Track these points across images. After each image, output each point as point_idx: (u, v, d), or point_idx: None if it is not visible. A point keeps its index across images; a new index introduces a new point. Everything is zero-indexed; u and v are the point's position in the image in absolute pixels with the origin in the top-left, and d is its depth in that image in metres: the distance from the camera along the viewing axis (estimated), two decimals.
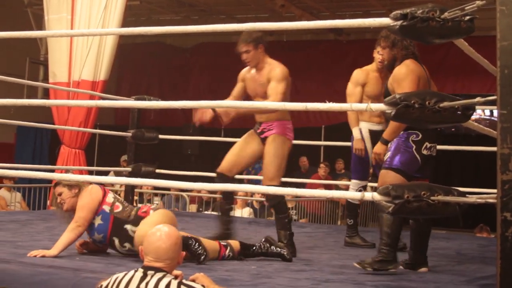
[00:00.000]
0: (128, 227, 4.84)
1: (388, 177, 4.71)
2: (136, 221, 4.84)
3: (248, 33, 5.70)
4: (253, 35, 5.73)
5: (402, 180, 4.64)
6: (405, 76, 4.79)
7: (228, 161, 5.90)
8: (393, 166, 4.75)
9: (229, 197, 6.05)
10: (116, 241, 4.88)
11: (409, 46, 4.96)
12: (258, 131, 5.91)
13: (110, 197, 4.97)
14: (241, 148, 5.98)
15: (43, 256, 4.68)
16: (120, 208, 4.94)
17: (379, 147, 5.16)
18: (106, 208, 4.93)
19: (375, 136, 5.88)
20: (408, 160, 4.73)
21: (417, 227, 4.94)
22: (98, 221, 4.93)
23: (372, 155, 5.42)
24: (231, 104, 4.68)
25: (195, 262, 4.66)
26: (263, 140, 5.84)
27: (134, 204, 9.92)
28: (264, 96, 5.61)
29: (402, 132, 4.80)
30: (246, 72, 5.93)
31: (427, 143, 4.74)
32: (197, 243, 4.72)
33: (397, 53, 4.99)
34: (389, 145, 4.91)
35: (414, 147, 4.72)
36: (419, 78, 4.83)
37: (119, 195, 7.73)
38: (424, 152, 4.74)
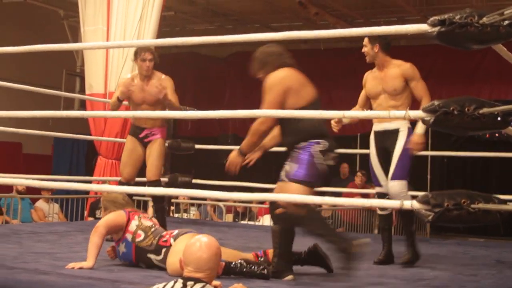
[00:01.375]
0: (152, 256, 4.82)
1: (289, 189, 4.52)
2: (158, 250, 4.79)
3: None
4: None
5: (306, 191, 4.49)
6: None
7: (127, 172, 6.84)
8: (300, 178, 4.55)
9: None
10: (144, 266, 4.88)
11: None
12: (141, 136, 6.74)
13: (133, 225, 4.96)
14: (130, 156, 6.82)
15: (80, 268, 4.70)
16: (142, 237, 4.91)
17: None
18: (129, 236, 4.94)
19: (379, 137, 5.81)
20: (310, 170, 4.54)
21: (281, 229, 4.70)
22: (122, 248, 4.97)
23: None
24: (261, 113, 4.60)
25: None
26: (146, 144, 6.73)
27: (171, 214, 9.96)
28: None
29: (305, 142, 4.59)
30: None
31: (330, 153, 4.59)
32: (247, 265, 4.58)
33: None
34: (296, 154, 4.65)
35: (319, 156, 4.55)
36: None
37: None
38: (329, 162, 4.59)
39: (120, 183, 6.83)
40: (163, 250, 4.73)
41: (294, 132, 4.62)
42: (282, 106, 4.56)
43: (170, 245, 4.73)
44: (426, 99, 5.51)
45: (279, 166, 4.67)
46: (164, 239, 4.83)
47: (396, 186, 5.56)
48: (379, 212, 5.94)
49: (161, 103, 6.62)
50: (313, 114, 4.08)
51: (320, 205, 10.94)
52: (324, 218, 4.64)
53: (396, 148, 5.60)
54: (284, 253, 4.67)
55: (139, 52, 6.73)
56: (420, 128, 5.54)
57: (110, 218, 5.00)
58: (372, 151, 5.82)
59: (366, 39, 5.82)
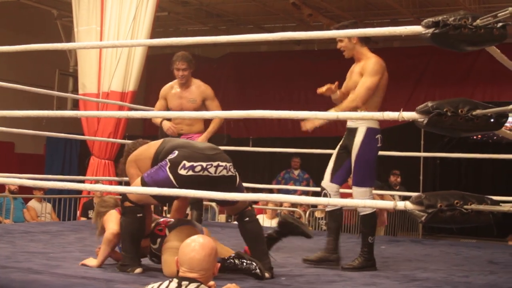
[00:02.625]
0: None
1: (134, 184, 4.62)
2: (153, 237, 4.79)
3: None
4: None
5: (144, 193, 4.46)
6: None
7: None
8: (144, 178, 4.55)
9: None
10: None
11: None
12: None
13: None
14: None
15: (84, 265, 4.81)
16: None
17: None
18: None
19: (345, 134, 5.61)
20: (159, 179, 4.46)
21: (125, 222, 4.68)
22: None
23: None
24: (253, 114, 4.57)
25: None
26: None
27: (163, 215, 9.94)
28: None
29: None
30: None
31: (185, 162, 4.41)
32: (240, 260, 4.53)
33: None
34: None
35: (169, 165, 4.44)
36: None
37: None
38: (182, 172, 4.40)
39: None
40: (158, 239, 4.73)
41: None
42: None
43: (165, 235, 4.73)
44: (351, 96, 5.33)
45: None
46: (160, 228, 4.83)
47: (357, 193, 5.37)
48: (327, 208, 5.70)
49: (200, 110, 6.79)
50: (307, 114, 4.08)
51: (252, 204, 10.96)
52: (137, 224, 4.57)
53: (352, 151, 5.36)
54: (131, 246, 4.67)
55: (173, 61, 6.93)
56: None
57: (113, 223, 4.94)
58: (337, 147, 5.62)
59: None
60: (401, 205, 3.57)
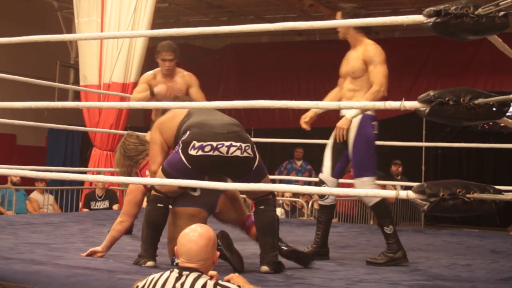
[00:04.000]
0: None
1: (158, 174, 4.62)
2: None
3: None
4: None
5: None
6: None
7: (159, 161, 6.23)
8: (164, 164, 4.57)
9: None
10: None
11: None
12: None
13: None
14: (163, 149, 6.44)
15: (92, 253, 4.86)
16: None
17: None
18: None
19: None
20: (174, 162, 4.47)
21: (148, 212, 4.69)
22: None
23: None
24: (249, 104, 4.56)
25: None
26: None
27: None
28: None
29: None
30: None
31: (194, 142, 4.36)
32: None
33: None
34: None
35: (181, 146, 4.41)
36: None
37: None
38: (192, 152, 4.36)
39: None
40: None
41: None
42: None
43: None
44: (375, 87, 5.19)
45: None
46: None
47: (358, 185, 5.29)
48: (319, 201, 5.64)
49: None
50: (308, 104, 4.08)
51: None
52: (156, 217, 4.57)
53: (349, 142, 5.29)
54: (148, 237, 4.62)
55: (159, 51, 6.60)
56: (351, 112, 5.19)
57: (132, 199, 5.04)
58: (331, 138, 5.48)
59: (338, 14, 5.41)
60: (403, 194, 3.56)
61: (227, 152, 4.36)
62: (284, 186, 4.28)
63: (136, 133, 5.62)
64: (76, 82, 12.57)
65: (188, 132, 4.44)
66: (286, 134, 11.58)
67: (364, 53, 5.31)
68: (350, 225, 9.46)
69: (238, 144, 4.39)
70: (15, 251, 4.98)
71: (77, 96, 12.85)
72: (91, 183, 10.59)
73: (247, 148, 4.43)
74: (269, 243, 4.52)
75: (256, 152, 4.52)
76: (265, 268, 4.46)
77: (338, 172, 5.49)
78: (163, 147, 4.74)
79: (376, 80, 5.22)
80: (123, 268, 4.39)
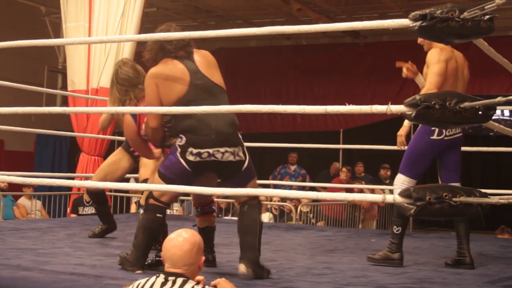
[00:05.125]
0: None
1: (155, 180, 4.65)
2: None
3: None
4: None
5: (162, 184, 4.49)
6: None
7: (98, 179, 6.26)
8: (160, 169, 4.59)
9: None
10: None
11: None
12: (131, 149, 6.12)
13: None
14: (109, 165, 6.36)
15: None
16: None
17: None
18: None
19: None
20: (171, 164, 4.49)
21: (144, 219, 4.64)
22: None
23: None
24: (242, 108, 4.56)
25: None
26: (137, 158, 6.17)
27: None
28: None
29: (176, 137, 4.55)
30: None
31: (192, 149, 4.41)
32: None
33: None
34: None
35: (179, 151, 4.45)
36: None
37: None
38: (190, 158, 4.42)
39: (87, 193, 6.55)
40: None
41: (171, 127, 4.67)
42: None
43: None
44: (424, 89, 5.26)
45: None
46: None
47: (396, 179, 5.38)
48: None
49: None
50: (294, 108, 4.09)
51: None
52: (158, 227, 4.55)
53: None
54: (141, 245, 4.56)
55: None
56: (406, 120, 5.32)
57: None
58: None
59: None
60: (390, 198, 3.57)
61: (222, 158, 4.46)
62: (270, 191, 4.29)
63: (133, 62, 5.50)
64: (64, 87, 12.54)
65: (184, 138, 4.44)
66: (275, 138, 11.57)
67: (427, 57, 5.42)
68: (338, 229, 9.47)
69: (231, 149, 4.48)
70: (2, 256, 4.95)
71: (65, 101, 12.81)
72: (79, 189, 10.55)
73: (238, 151, 4.52)
74: (248, 243, 4.45)
75: (246, 154, 4.59)
76: (241, 266, 4.38)
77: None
78: (158, 102, 4.59)
79: (427, 79, 5.34)
80: (110, 274, 4.37)
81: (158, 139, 4.81)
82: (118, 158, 6.34)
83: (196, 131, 4.44)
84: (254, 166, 4.71)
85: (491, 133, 14.52)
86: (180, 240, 3.19)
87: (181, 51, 4.60)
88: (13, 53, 12.25)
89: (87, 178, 9.62)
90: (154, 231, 4.60)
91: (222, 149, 4.44)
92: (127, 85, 5.43)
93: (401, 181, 5.30)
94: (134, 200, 11.32)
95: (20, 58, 13.52)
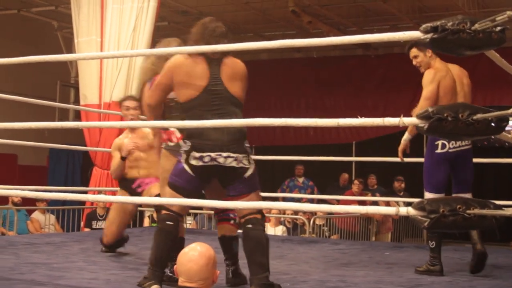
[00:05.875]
0: None
1: (162, 191, 4.68)
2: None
3: None
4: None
5: (172, 194, 4.44)
6: None
7: (111, 231, 6.33)
8: (168, 179, 4.56)
9: None
10: None
11: None
12: (133, 186, 6.17)
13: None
14: (119, 213, 6.31)
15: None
16: None
17: None
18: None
19: None
20: (178, 171, 4.46)
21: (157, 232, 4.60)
22: None
23: None
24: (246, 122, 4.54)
25: None
26: (139, 194, 6.07)
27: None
28: None
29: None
30: None
31: (194, 153, 4.36)
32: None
33: None
34: None
35: (184, 157, 4.40)
36: None
37: None
38: (193, 162, 4.37)
39: (102, 243, 6.45)
40: None
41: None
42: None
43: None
44: (418, 107, 5.38)
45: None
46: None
47: (424, 197, 5.37)
48: None
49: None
50: (307, 122, 4.09)
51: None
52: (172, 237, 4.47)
53: None
54: (157, 258, 4.48)
55: (121, 102, 6.56)
56: (405, 134, 5.62)
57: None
58: None
59: (414, 50, 5.64)
60: (403, 211, 3.56)
61: (224, 162, 4.39)
62: (284, 204, 4.28)
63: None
64: (77, 101, 12.60)
65: (189, 143, 4.40)
66: (287, 152, 11.58)
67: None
68: (352, 242, 9.44)
69: (235, 155, 4.40)
70: (16, 271, 4.97)
71: (77, 116, 12.88)
72: (92, 203, 10.57)
73: (243, 159, 4.44)
74: (257, 263, 4.34)
75: (252, 163, 4.50)
76: (155, 286, 4.32)
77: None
78: (166, 89, 4.63)
79: (421, 100, 5.52)
80: None
81: (157, 116, 4.77)
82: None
83: (200, 136, 4.40)
84: (267, 180, 4.69)
85: (507, 144, 14.47)
86: (196, 255, 3.18)
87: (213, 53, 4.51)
88: (26, 67, 12.31)
89: (100, 192, 9.65)
90: (166, 240, 4.47)
91: (224, 154, 4.37)
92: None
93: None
94: (147, 214, 11.32)
95: (33, 72, 13.59)
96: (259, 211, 4.49)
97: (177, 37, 5.31)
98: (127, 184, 6.33)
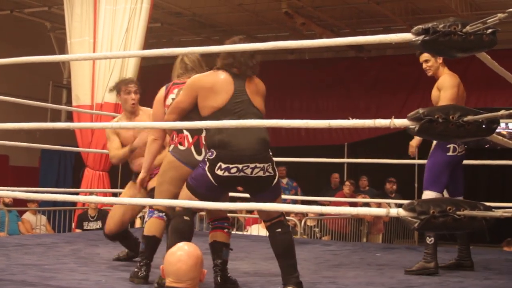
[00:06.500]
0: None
1: (182, 190, 4.66)
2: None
3: None
4: None
5: (189, 195, 4.48)
6: None
7: (115, 222, 5.98)
8: (188, 180, 4.57)
9: None
10: None
11: None
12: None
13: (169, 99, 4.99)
14: (122, 206, 6.04)
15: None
16: None
17: None
18: None
19: None
20: (199, 176, 4.46)
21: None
22: None
23: None
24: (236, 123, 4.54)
25: None
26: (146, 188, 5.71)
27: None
28: None
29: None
30: None
31: (221, 164, 4.37)
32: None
33: None
34: None
35: (208, 165, 4.41)
36: None
37: None
38: (219, 172, 4.38)
39: (104, 234, 6.17)
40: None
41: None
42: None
43: None
44: None
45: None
46: None
47: (423, 196, 5.62)
48: None
49: None
50: (298, 123, 4.09)
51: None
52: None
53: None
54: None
55: (121, 85, 6.18)
56: None
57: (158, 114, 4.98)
58: None
59: (427, 54, 5.77)
60: (394, 212, 3.56)
61: (251, 173, 4.42)
62: (275, 205, 4.28)
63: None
64: (69, 102, 12.58)
65: (214, 152, 4.41)
66: (278, 153, 11.55)
67: (439, 82, 5.82)
68: (343, 243, 9.44)
69: (261, 165, 4.44)
70: (7, 272, 4.96)
71: (69, 117, 12.87)
72: (83, 204, 10.56)
73: (268, 167, 4.48)
74: (290, 265, 4.49)
75: (276, 170, 4.56)
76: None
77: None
78: (184, 109, 4.66)
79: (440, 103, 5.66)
80: None
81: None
82: (132, 194, 5.96)
83: (227, 146, 4.40)
84: None
85: (499, 147, 14.52)
86: (184, 255, 3.17)
87: (238, 69, 4.59)
88: (18, 68, 12.30)
89: (91, 193, 9.63)
90: (184, 233, 4.47)
91: (252, 165, 4.40)
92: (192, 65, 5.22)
93: (431, 197, 5.48)
94: (139, 215, 11.30)
95: (25, 73, 13.57)
96: (282, 214, 4.60)
97: (170, 39, 5.31)
98: (135, 176, 5.96)
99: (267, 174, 4.47)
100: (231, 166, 4.38)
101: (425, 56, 5.84)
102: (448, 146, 5.63)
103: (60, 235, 8.97)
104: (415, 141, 6.03)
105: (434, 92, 5.81)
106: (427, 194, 5.55)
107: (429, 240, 5.63)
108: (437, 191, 5.58)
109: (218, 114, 4.46)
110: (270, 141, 4.58)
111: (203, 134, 4.66)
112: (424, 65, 5.89)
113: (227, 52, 4.56)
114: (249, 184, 4.50)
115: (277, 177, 4.56)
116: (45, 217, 11.45)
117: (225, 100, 4.49)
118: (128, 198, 5.77)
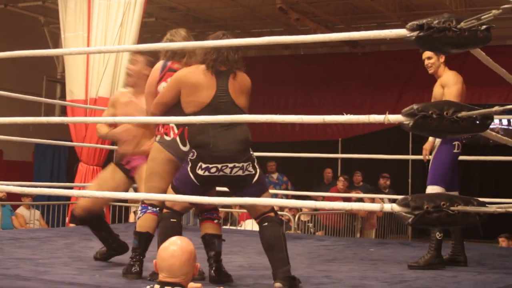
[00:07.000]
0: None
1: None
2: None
3: None
4: None
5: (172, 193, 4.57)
6: None
7: (87, 200, 5.67)
8: (173, 181, 4.63)
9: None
10: None
11: None
12: (123, 162, 5.61)
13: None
14: (98, 182, 5.80)
15: None
16: None
17: None
18: None
19: None
20: (182, 177, 4.55)
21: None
22: None
23: None
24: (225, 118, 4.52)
25: None
26: (128, 172, 5.57)
27: None
28: None
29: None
30: None
31: (201, 163, 4.45)
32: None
33: None
34: None
35: (190, 165, 4.49)
36: None
37: None
38: (200, 172, 4.46)
39: (73, 214, 5.94)
40: None
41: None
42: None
43: None
44: None
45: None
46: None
47: (427, 191, 5.64)
48: None
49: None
50: (293, 118, 4.10)
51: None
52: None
53: (432, 154, 5.88)
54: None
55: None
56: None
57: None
58: None
59: (430, 52, 5.85)
60: (387, 207, 3.57)
61: (230, 172, 4.50)
62: (268, 200, 4.28)
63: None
64: (63, 97, 12.54)
65: (195, 153, 4.49)
66: (273, 148, 11.55)
67: (443, 80, 5.97)
68: (337, 238, 9.47)
69: (240, 164, 4.51)
70: (1, 266, 4.95)
71: (63, 111, 12.83)
72: (77, 198, 10.54)
73: (248, 166, 4.55)
74: (279, 258, 4.49)
75: (257, 168, 4.61)
76: (278, 284, 4.40)
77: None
78: (170, 100, 4.69)
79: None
80: (109, 283, 4.38)
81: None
82: (112, 177, 5.67)
83: (207, 147, 4.47)
84: None
85: (491, 141, 14.55)
86: (178, 250, 3.16)
87: (222, 65, 4.61)
88: (12, 63, 12.26)
89: (85, 188, 9.62)
90: (172, 235, 4.48)
91: (230, 165, 4.48)
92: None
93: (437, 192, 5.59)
94: (132, 209, 11.31)
95: (19, 68, 13.54)
96: (272, 210, 4.66)
97: (164, 34, 5.29)
98: (119, 159, 5.74)
99: (246, 172, 4.55)
100: (210, 166, 4.48)
101: (428, 53, 5.93)
102: (454, 143, 5.75)
103: (54, 229, 8.97)
104: (428, 144, 6.10)
105: (437, 89, 5.92)
106: (434, 189, 5.62)
107: (439, 236, 5.72)
108: (444, 187, 5.67)
109: (199, 113, 4.51)
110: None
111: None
112: (426, 62, 5.97)
113: (212, 47, 4.57)
114: (229, 183, 4.61)
115: (258, 175, 4.60)
116: (39, 212, 11.44)
117: (207, 99, 4.55)
118: (119, 192, 5.59)
